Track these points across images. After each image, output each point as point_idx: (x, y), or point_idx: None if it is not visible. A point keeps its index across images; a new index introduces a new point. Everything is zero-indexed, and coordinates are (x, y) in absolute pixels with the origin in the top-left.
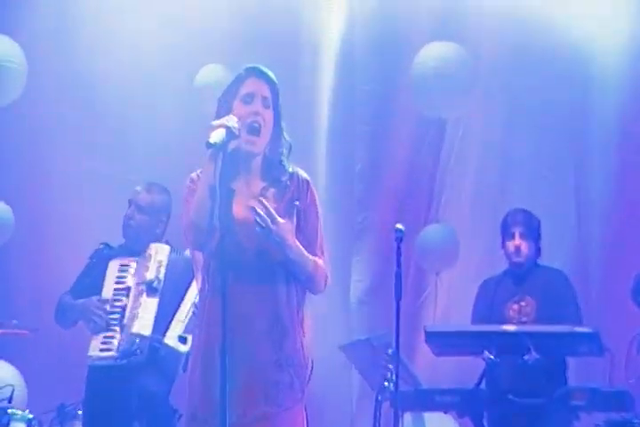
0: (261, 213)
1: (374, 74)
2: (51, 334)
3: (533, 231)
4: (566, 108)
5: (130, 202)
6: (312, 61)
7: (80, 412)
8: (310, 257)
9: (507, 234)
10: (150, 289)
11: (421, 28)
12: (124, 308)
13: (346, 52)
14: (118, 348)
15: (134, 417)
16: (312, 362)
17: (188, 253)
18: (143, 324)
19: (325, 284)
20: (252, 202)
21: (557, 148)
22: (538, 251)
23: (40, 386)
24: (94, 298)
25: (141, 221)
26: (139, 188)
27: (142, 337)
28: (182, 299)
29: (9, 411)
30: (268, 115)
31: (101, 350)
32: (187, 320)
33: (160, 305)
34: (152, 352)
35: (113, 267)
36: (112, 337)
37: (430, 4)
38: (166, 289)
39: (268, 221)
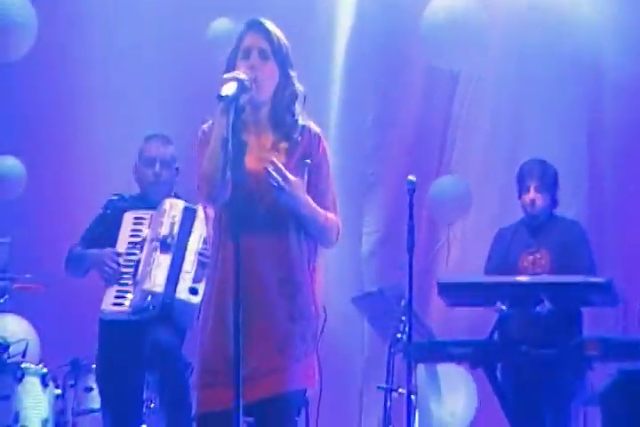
0: (273, 172)
1: (385, 25)
2: (65, 289)
3: (550, 183)
4: (580, 64)
5: (148, 156)
6: (326, 13)
7: (94, 366)
8: (322, 211)
9: (523, 187)
10: (164, 245)
11: None
12: (137, 262)
13: (356, 5)
14: (131, 303)
15: (147, 369)
16: (325, 314)
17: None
18: (156, 281)
19: (337, 237)
20: (263, 155)
21: (571, 101)
22: (554, 202)
23: (54, 340)
24: (108, 249)
25: (167, 175)
26: (152, 141)
27: (155, 294)
28: (186, 249)
29: (22, 365)
30: (268, 66)
31: (114, 305)
32: (193, 270)
33: (172, 261)
34: (165, 307)
35: (128, 219)
36: (125, 291)
37: None
38: (178, 245)
39: (280, 179)
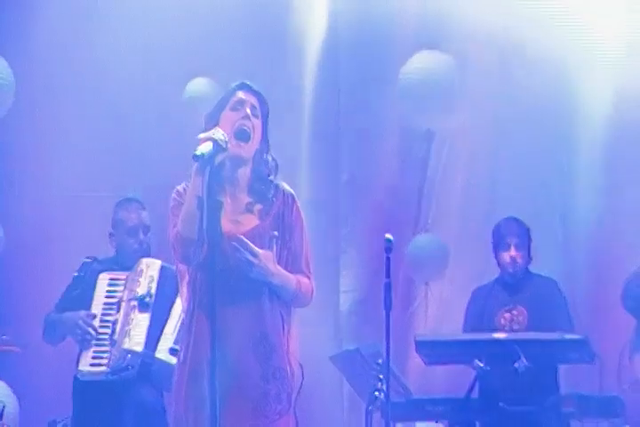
0: (240, 248)
1: (359, 83)
2: (42, 350)
3: (526, 240)
4: (554, 117)
5: (129, 225)
6: (296, 69)
7: None
8: (293, 278)
9: (501, 244)
10: (142, 305)
11: (406, 37)
12: (114, 323)
13: (329, 59)
14: (109, 363)
15: None
16: (302, 373)
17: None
18: (135, 340)
19: (311, 298)
20: (237, 218)
21: (546, 158)
22: (529, 259)
23: (31, 402)
24: (82, 312)
25: (144, 239)
26: (130, 209)
27: (134, 353)
28: (170, 312)
29: None
30: (257, 124)
31: (92, 365)
32: (175, 332)
33: (152, 320)
34: (144, 367)
35: (103, 280)
36: (103, 352)
37: (415, 12)
38: (157, 304)
39: (248, 254)
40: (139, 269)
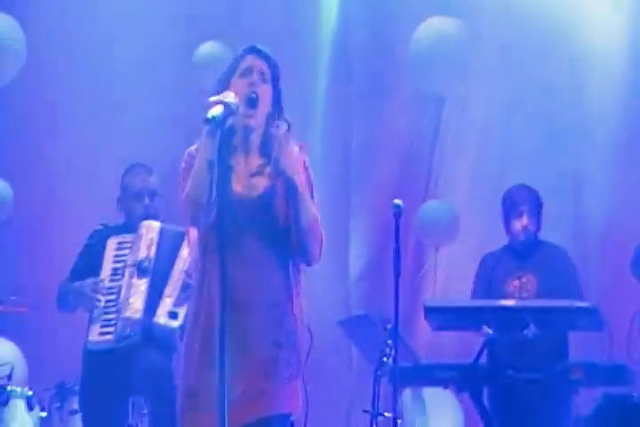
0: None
1: (371, 49)
2: (51, 311)
3: (537, 208)
4: (567, 90)
5: (134, 190)
6: (311, 34)
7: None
8: (312, 208)
9: (513, 212)
10: (141, 270)
11: (417, 2)
12: (119, 289)
13: (342, 27)
14: (115, 332)
15: (136, 392)
16: (311, 338)
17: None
18: (133, 307)
19: (320, 251)
20: (248, 181)
21: (557, 127)
22: (539, 227)
23: (40, 363)
24: (89, 280)
25: (155, 205)
26: (136, 174)
27: (133, 321)
28: (170, 273)
29: (8, 388)
30: (266, 89)
31: (100, 334)
32: (175, 294)
33: (151, 285)
34: (146, 333)
35: (111, 245)
36: (110, 320)
37: None
38: (156, 268)
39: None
40: (139, 233)
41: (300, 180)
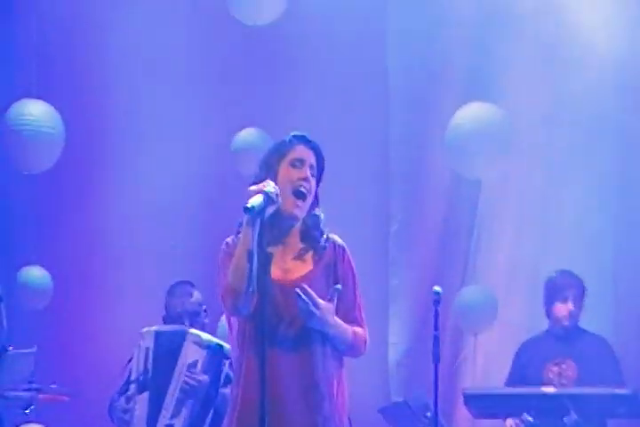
0: (304, 296)
1: (408, 133)
2: (89, 399)
3: (582, 294)
4: (607, 165)
5: (174, 312)
6: (344, 118)
7: None
8: (349, 329)
9: (558, 296)
10: (139, 384)
11: (454, 87)
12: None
13: (380, 109)
14: None
15: None
16: (350, 424)
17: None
18: (137, 424)
19: (365, 348)
20: (288, 266)
21: (598, 215)
22: (577, 311)
23: None
24: (121, 403)
25: (200, 322)
26: (176, 295)
27: None
28: (169, 381)
29: None
30: (313, 184)
31: None
32: (172, 405)
33: (151, 399)
34: None
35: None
36: None
37: (461, 64)
38: (155, 378)
39: (311, 305)
40: (139, 343)
41: (332, 322)
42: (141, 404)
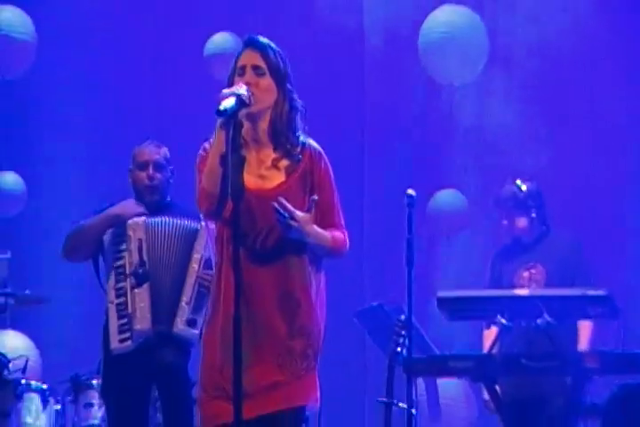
0: (282, 211)
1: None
2: (64, 304)
3: (542, 201)
4: (587, 90)
5: (140, 160)
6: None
7: (94, 382)
8: (328, 236)
9: (518, 209)
10: (137, 276)
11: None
12: (125, 291)
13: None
14: (132, 338)
15: (153, 386)
16: (324, 329)
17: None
18: (142, 319)
19: (346, 250)
20: (263, 172)
21: (567, 120)
22: (540, 219)
23: (54, 356)
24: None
25: (162, 177)
26: (144, 146)
27: (146, 331)
28: (184, 276)
29: (22, 381)
30: (264, 82)
31: (120, 341)
32: (193, 300)
33: (154, 290)
34: (164, 340)
35: (107, 238)
36: (125, 324)
37: None
38: (156, 269)
39: (288, 218)
40: (127, 234)
41: (311, 232)
42: (141, 295)
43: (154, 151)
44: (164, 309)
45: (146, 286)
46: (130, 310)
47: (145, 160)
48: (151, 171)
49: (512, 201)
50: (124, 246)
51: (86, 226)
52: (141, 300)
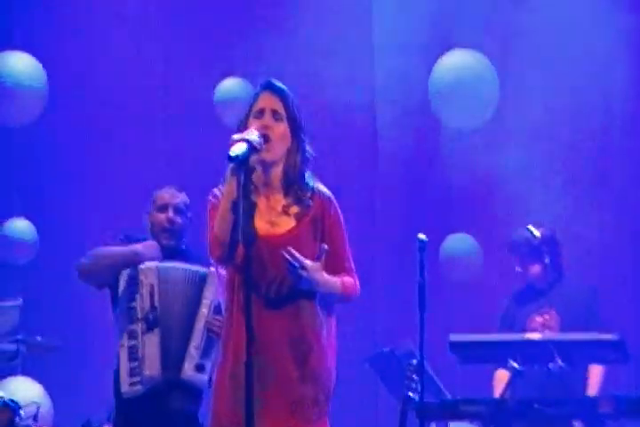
0: (291, 260)
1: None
2: (75, 351)
3: (557, 246)
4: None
5: (161, 204)
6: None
7: None
8: (338, 283)
9: (532, 254)
10: (148, 323)
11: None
12: (137, 334)
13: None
14: (142, 383)
15: None
16: (336, 374)
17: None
18: (151, 365)
19: (356, 295)
20: (273, 219)
21: (577, 163)
22: (557, 266)
23: (65, 403)
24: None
25: (180, 222)
26: (165, 190)
27: (155, 378)
28: (193, 321)
29: None
30: (280, 127)
31: (130, 385)
32: (202, 345)
33: (163, 333)
34: (173, 387)
35: (123, 279)
36: (136, 368)
37: (448, 12)
38: (166, 312)
39: (298, 268)
40: (139, 279)
41: (321, 281)
42: (152, 341)
43: (174, 195)
44: (172, 354)
45: (156, 331)
46: (140, 354)
47: (165, 203)
48: (171, 213)
49: (525, 247)
50: (136, 289)
51: (105, 251)
52: (151, 345)
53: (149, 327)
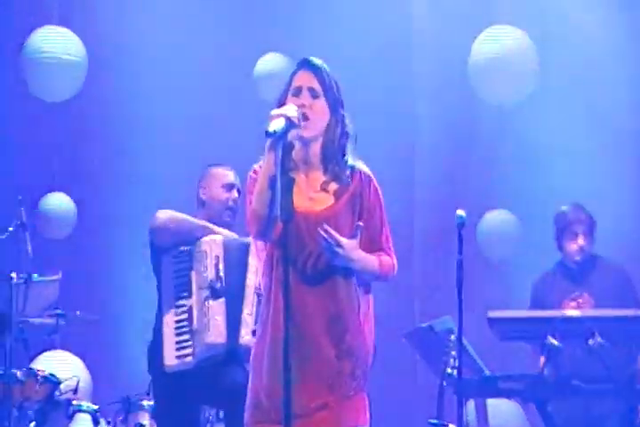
0: (327, 237)
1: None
2: (114, 325)
3: (593, 228)
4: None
5: (228, 182)
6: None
7: (145, 403)
8: (375, 261)
9: (567, 232)
10: (214, 291)
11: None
12: (190, 309)
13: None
14: (194, 353)
15: (218, 407)
16: (375, 349)
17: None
18: (217, 332)
19: (393, 274)
20: (312, 195)
21: (620, 140)
22: (589, 246)
23: (104, 377)
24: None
25: (236, 199)
26: (228, 169)
27: (218, 345)
28: (243, 290)
29: (74, 402)
30: (318, 104)
31: (178, 357)
32: (254, 310)
33: (228, 305)
34: (231, 355)
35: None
36: (185, 341)
37: None
38: (230, 286)
39: (334, 245)
40: (202, 249)
41: (356, 258)
42: (217, 309)
43: (236, 176)
44: (232, 322)
45: (222, 301)
46: (196, 325)
47: (231, 182)
48: (236, 194)
49: (562, 223)
50: (185, 265)
51: (185, 219)
52: (218, 314)
53: (216, 296)
